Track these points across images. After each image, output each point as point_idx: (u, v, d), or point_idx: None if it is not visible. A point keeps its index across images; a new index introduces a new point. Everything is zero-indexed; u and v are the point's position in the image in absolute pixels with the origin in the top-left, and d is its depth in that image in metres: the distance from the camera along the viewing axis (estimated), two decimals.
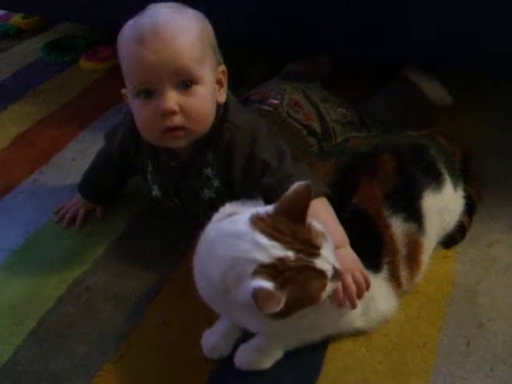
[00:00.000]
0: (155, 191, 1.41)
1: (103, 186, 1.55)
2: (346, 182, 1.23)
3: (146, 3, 1.82)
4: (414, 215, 1.21)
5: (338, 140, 1.49)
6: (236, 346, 1.15)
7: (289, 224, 0.96)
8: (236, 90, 1.63)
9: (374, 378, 1.10)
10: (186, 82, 1.18)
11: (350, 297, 1.05)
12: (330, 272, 0.97)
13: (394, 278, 1.17)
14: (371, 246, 1.16)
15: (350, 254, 1.10)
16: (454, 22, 1.43)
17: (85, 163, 1.65)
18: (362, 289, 1.06)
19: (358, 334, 1.16)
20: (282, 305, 0.90)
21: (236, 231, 0.98)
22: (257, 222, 0.97)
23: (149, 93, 1.19)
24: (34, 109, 2.05)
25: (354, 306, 1.06)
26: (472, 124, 1.72)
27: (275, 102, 1.50)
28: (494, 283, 1.27)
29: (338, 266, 0.99)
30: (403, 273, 1.18)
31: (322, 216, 1.10)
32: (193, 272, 1.10)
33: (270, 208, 0.99)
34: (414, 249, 1.20)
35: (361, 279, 1.06)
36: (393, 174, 1.22)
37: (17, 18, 2.66)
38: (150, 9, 1.23)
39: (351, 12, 1.54)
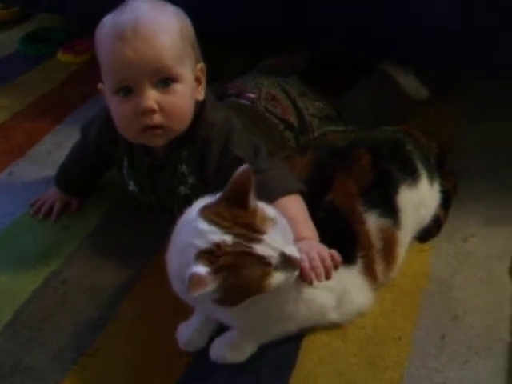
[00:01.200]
0: (131, 186, 1.41)
1: (79, 179, 1.54)
2: (322, 178, 1.23)
3: None
4: (390, 210, 1.22)
5: (316, 134, 1.50)
6: (211, 339, 1.15)
7: (230, 209, 0.95)
8: (214, 83, 1.64)
9: (348, 370, 1.11)
10: (166, 80, 1.18)
11: (318, 276, 1.03)
12: (274, 259, 0.94)
13: (369, 272, 1.17)
14: (345, 242, 1.16)
15: (317, 243, 1.10)
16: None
17: (61, 156, 1.64)
18: (328, 264, 1.04)
19: (333, 326, 1.17)
20: (209, 289, 0.90)
21: (187, 219, 0.99)
22: (204, 209, 0.97)
23: (128, 90, 1.19)
24: (10, 101, 2.02)
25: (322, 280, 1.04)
26: (449, 118, 1.73)
27: (252, 95, 1.50)
28: (468, 277, 1.28)
29: (292, 253, 0.96)
30: (379, 266, 1.19)
31: (292, 211, 1.11)
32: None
33: (217, 196, 0.99)
34: (390, 243, 1.21)
35: (326, 254, 1.04)
36: (368, 169, 1.23)
37: None
38: (130, 4, 1.22)
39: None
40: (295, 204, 1.16)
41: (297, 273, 1.00)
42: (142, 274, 1.34)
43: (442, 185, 1.37)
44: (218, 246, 0.92)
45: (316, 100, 1.60)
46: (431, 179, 1.32)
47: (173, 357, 1.14)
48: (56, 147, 1.77)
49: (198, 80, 1.27)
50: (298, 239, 1.06)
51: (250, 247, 0.93)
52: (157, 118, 1.18)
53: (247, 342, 1.13)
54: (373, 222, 1.19)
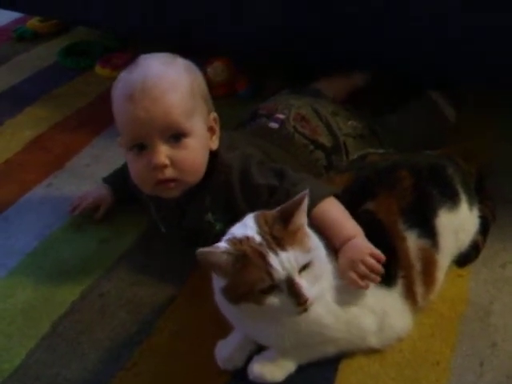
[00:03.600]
0: (162, 228, 1.45)
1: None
2: (362, 192, 1.23)
3: (163, 12, 1.86)
4: (429, 232, 1.21)
5: (351, 155, 1.51)
6: (250, 358, 1.14)
7: (275, 221, 1.01)
8: (255, 99, 1.65)
9: None
10: (177, 136, 1.23)
11: (366, 285, 1.09)
12: (278, 275, 0.97)
13: (410, 295, 1.17)
14: (386, 259, 1.16)
15: (362, 242, 1.13)
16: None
17: (99, 168, 1.68)
18: (375, 269, 1.09)
19: (371, 350, 1.16)
20: (218, 260, 0.98)
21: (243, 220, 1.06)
22: (260, 213, 1.04)
23: (142, 147, 1.23)
24: (49, 113, 2.05)
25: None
26: (486, 143, 1.71)
27: (282, 116, 1.52)
28: (507, 304, 1.26)
29: (300, 284, 0.98)
30: (419, 289, 1.18)
31: (333, 214, 1.17)
32: (208, 283, 1.10)
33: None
34: (429, 265, 1.20)
35: (373, 262, 1.09)
36: (410, 191, 1.22)
37: (33, 21, 2.67)
38: (140, 62, 1.27)
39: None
40: (332, 206, 1.19)
41: (299, 310, 1.00)
42: (180, 290, 1.34)
43: (480, 210, 1.36)
44: (247, 238, 1.00)
45: (349, 119, 1.60)
46: (471, 204, 1.31)
47: (211, 375, 1.14)
48: (94, 160, 1.79)
49: (211, 130, 1.31)
50: (344, 241, 1.13)
51: (267, 252, 0.97)
52: (168, 172, 1.23)
53: (286, 362, 1.13)
54: (413, 241, 1.18)
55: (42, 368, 1.19)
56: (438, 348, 1.17)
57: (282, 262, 0.97)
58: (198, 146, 1.26)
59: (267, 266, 0.97)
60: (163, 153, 1.21)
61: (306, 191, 1.01)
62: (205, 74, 1.99)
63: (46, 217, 1.59)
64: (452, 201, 1.26)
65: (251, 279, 0.98)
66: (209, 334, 1.20)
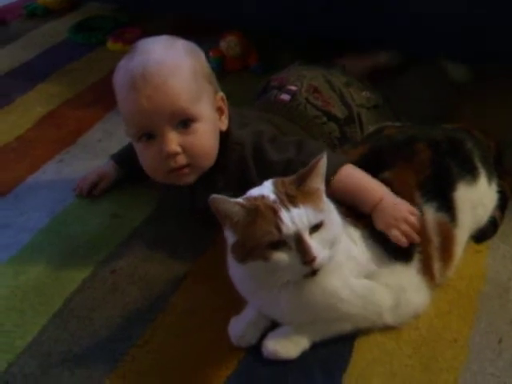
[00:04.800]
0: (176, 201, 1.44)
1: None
2: (378, 162, 1.22)
3: None
4: (447, 206, 1.19)
5: (365, 126, 1.50)
6: (263, 335, 1.13)
7: (291, 183, 1.01)
8: (267, 74, 1.63)
9: (402, 371, 1.08)
10: (185, 122, 1.20)
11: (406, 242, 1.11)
12: (287, 230, 0.96)
13: (427, 270, 1.15)
14: None
15: (394, 201, 1.14)
16: None
17: (112, 144, 1.66)
18: (413, 235, 1.11)
19: (387, 327, 1.14)
20: (229, 209, 0.98)
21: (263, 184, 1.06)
22: (277, 179, 1.04)
23: (149, 136, 1.21)
24: (61, 89, 2.05)
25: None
26: (506, 118, 1.68)
27: (294, 88, 1.50)
28: None
29: (309, 243, 0.97)
30: (436, 265, 1.16)
31: (355, 176, 1.18)
32: (221, 259, 1.10)
33: None
34: (447, 240, 1.18)
35: (407, 228, 1.11)
36: (428, 164, 1.20)
37: None
38: (139, 47, 1.24)
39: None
40: (353, 171, 1.20)
41: (306, 270, 0.99)
42: (193, 266, 1.33)
43: (499, 185, 1.33)
44: (262, 196, 1.00)
45: (363, 90, 1.58)
46: (489, 179, 1.29)
47: (224, 352, 1.13)
48: (106, 135, 1.78)
49: (219, 110, 1.29)
50: (375, 202, 1.14)
51: (279, 208, 0.97)
52: (181, 159, 1.21)
53: (300, 338, 1.11)
54: (430, 215, 1.17)
55: (54, 345, 1.19)
56: (455, 325, 1.16)
57: (293, 217, 0.96)
58: (207, 130, 1.23)
59: (277, 219, 0.96)
60: (174, 140, 1.19)
61: (323, 155, 1.00)
62: (218, 48, 1.98)
63: (58, 193, 1.58)
64: (471, 175, 1.24)
65: (260, 232, 0.97)
66: (222, 311, 1.19)
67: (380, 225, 1.12)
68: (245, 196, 1.02)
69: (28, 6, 2.63)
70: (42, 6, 2.63)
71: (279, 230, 0.96)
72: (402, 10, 1.53)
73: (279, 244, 0.97)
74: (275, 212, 0.97)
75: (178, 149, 1.20)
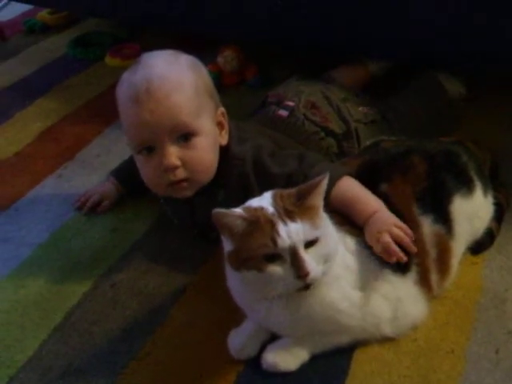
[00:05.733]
0: (174, 220, 1.44)
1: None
2: (375, 175, 1.23)
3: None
4: (444, 218, 1.20)
5: (362, 141, 1.50)
6: (263, 348, 1.14)
7: (291, 197, 1.02)
8: (265, 88, 1.64)
9: (401, 382, 1.09)
10: (185, 136, 1.22)
11: (394, 253, 1.07)
12: (282, 243, 0.97)
13: (424, 282, 1.16)
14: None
15: (384, 216, 1.14)
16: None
17: (110, 159, 1.67)
18: (404, 240, 1.09)
19: (386, 338, 1.15)
20: (229, 221, 0.99)
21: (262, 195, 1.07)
22: (276, 191, 1.05)
23: (150, 149, 1.22)
24: (60, 104, 2.06)
25: (401, 258, 1.08)
26: (500, 130, 1.70)
27: (291, 104, 1.52)
28: None
29: (304, 258, 0.98)
30: (434, 276, 1.17)
31: (352, 189, 1.19)
32: (220, 271, 1.11)
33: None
34: (444, 252, 1.19)
35: (399, 232, 1.10)
36: (424, 177, 1.22)
37: (43, 14, 2.68)
38: (143, 61, 1.25)
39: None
40: (351, 184, 1.21)
41: (299, 284, 1.00)
42: (192, 279, 1.33)
43: (495, 197, 1.35)
44: (261, 208, 1.01)
45: (360, 105, 1.59)
46: (485, 191, 1.30)
47: (224, 364, 1.14)
48: (105, 150, 1.79)
49: (220, 125, 1.30)
50: (368, 215, 1.14)
51: (277, 221, 0.98)
52: (180, 173, 1.22)
53: (299, 350, 1.12)
54: (427, 227, 1.18)
55: (55, 358, 1.19)
56: (452, 336, 1.16)
57: (290, 231, 0.98)
58: (207, 144, 1.25)
59: (274, 232, 0.98)
60: (173, 154, 1.21)
61: (326, 175, 1.01)
62: (215, 63, 2.00)
63: (57, 208, 1.59)
64: (466, 187, 1.25)
65: (256, 244, 0.98)
66: (221, 324, 1.19)
67: (368, 238, 1.13)
68: (244, 205, 1.04)
69: (27, 22, 2.65)
70: (41, 22, 2.65)
71: (275, 243, 0.97)
72: (396, 23, 1.55)
73: (274, 257, 0.99)
74: (273, 225, 0.98)
75: (178, 162, 1.21)
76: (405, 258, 1.07)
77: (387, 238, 1.08)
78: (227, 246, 1.04)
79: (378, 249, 1.09)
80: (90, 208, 1.55)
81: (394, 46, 1.62)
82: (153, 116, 1.18)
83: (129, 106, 1.21)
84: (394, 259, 1.07)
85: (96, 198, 1.55)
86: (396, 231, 1.10)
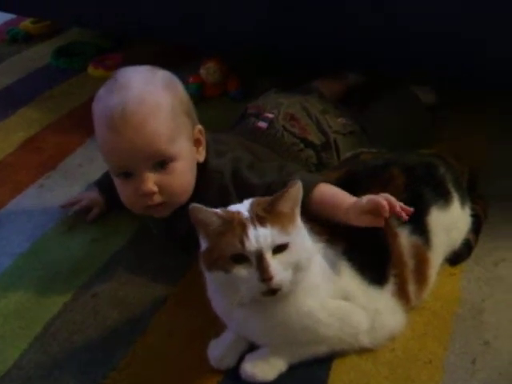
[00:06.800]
0: (154, 231, 1.45)
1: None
2: (354, 187, 1.23)
3: (156, 10, 1.86)
4: (421, 230, 1.22)
5: (342, 152, 1.52)
6: (243, 357, 1.14)
7: (265, 204, 1.04)
8: (247, 100, 1.65)
9: None
10: (162, 162, 1.22)
11: (392, 207, 1.06)
12: (250, 247, 0.99)
13: (402, 293, 1.17)
14: (378, 255, 1.17)
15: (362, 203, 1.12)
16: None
17: (92, 169, 1.68)
18: (394, 202, 1.07)
19: (364, 349, 1.16)
20: (203, 218, 1.02)
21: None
22: (255, 199, 1.08)
23: (127, 174, 1.23)
24: (42, 114, 2.05)
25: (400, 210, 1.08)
26: (477, 142, 1.72)
27: (271, 116, 1.53)
28: (499, 301, 1.26)
29: (269, 262, 0.99)
30: (411, 288, 1.18)
31: (330, 191, 1.20)
32: (200, 282, 1.12)
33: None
34: (422, 263, 1.20)
35: (389, 196, 1.08)
36: (402, 189, 1.23)
37: (26, 23, 2.67)
38: (119, 82, 1.23)
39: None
40: (329, 188, 1.21)
41: (262, 287, 1.00)
42: (172, 290, 1.34)
43: (472, 209, 1.36)
44: (237, 212, 1.04)
45: (339, 116, 1.61)
46: (463, 203, 1.32)
47: (204, 374, 1.14)
48: (87, 161, 1.79)
49: (197, 141, 1.30)
50: (350, 204, 1.13)
51: (248, 225, 1.01)
52: (157, 198, 1.23)
53: (277, 360, 1.12)
54: (405, 238, 1.19)
55: (35, 368, 1.19)
56: (430, 346, 1.17)
57: (258, 235, 1.00)
58: (184, 168, 1.25)
59: (243, 235, 0.99)
60: (150, 180, 1.21)
61: (297, 181, 1.03)
62: (198, 74, 2.01)
63: (38, 218, 1.58)
64: (444, 199, 1.27)
65: (226, 243, 1.01)
66: (201, 334, 1.20)
67: (351, 219, 1.12)
68: (223, 209, 1.06)
69: (10, 31, 2.64)
70: (24, 31, 2.64)
71: (243, 244, 0.99)
72: (372, 32, 1.56)
73: (241, 258, 1.00)
74: (244, 228, 1.00)
75: (155, 188, 1.21)
76: (404, 215, 1.08)
77: (374, 196, 1.08)
78: (203, 245, 1.06)
79: (364, 220, 1.10)
80: (77, 211, 1.55)
81: (375, 59, 1.64)
82: (129, 144, 1.18)
83: (104, 132, 1.21)
84: (386, 214, 1.06)
85: (85, 203, 1.56)
86: (387, 196, 1.08)
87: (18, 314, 1.31)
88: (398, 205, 1.07)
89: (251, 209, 1.04)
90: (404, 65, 1.61)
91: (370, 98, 1.80)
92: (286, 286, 1.02)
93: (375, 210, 1.07)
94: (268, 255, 1.00)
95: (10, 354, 1.22)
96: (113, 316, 1.29)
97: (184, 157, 1.25)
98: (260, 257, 0.99)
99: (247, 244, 0.99)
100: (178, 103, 1.25)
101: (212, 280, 1.07)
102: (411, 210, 1.09)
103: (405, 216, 1.08)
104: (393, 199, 1.08)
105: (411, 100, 1.78)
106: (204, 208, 1.02)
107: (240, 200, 1.14)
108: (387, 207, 1.06)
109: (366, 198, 1.09)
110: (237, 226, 1.01)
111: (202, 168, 1.30)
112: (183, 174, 1.25)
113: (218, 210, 1.04)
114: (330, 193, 1.20)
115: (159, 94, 1.23)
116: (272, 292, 1.01)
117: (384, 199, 1.07)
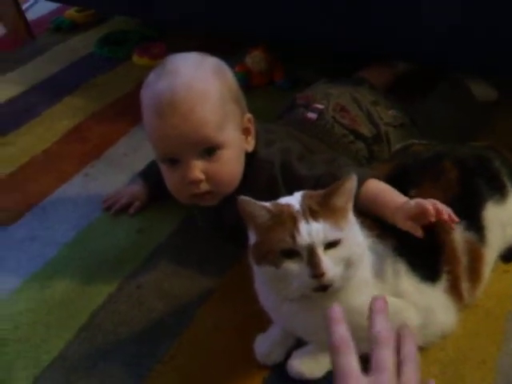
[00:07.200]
0: (200, 223, 1.44)
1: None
2: (405, 180, 1.20)
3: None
4: (476, 225, 1.18)
5: (393, 145, 1.49)
6: (290, 353, 1.12)
7: (318, 197, 1.01)
8: (293, 90, 1.62)
9: None
10: (209, 150, 1.20)
11: (438, 213, 1.01)
12: (301, 240, 0.96)
13: (455, 291, 1.13)
14: (430, 251, 1.13)
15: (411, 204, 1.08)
16: None
17: (137, 159, 1.67)
18: (441, 208, 1.02)
19: None
20: (253, 211, 1.00)
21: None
22: (307, 191, 1.05)
23: (173, 161, 1.21)
24: (87, 103, 2.06)
25: (444, 216, 1.02)
26: None
27: (320, 106, 1.49)
28: None
29: (321, 257, 0.96)
30: (464, 285, 1.15)
31: (380, 187, 1.17)
32: (247, 275, 1.09)
33: None
34: (476, 260, 1.17)
35: (437, 203, 1.03)
36: (455, 183, 1.19)
37: (71, 12, 2.67)
38: (168, 67, 1.21)
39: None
40: (377, 184, 1.18)
41: (313, 284, 0.98)
42: (219, 282, 1.32)
43: None
44: (288, 204, 1.01)
45: (390, 108, 1.57)
46: None
47: (250, 369, 1.13)
48: (131, 150, 1.79)
49: (246, 130, 1.28)
50: (398, 204, 1.09)
51: (299, 218, 0.98)
52: (204, 186, 1.21)
53: (325, 357, 1.09)
54: (459, 234, 1.15)
55: (80, 359, 1.19)
56: (483, 346, 1.14)
57: (311, 230, 0.96)
58: (232, 156, 1.23)
59: (294, 229, 0.96)
60: (197, 167, 1.19)
61: (353, 175, 0.99)
62: (244, 63, 1.99)
63: (83, 207, 1.58)
64: (499, 193, 1.23)
65: (276, 238, 0.97)
66: (248, 328, 1.18)
67: (397, 220, 1.08)
68: (273, 202, 1.03)
69: (55, 21, 2.66)
70: (69, 20, 2.65)
71: (294, 239, 0.96)
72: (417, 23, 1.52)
73: (292, 253, 0.97)
74: (294, 222, 0.97)
75: (202, 176, 1.19)
76: (451, 225, 1.04)
77: (422, 201, 1.03)
78: (252, 238, 1.03)
79: (409, 226, 1.06)
80: (118, 210, 1.55)
81: (418, 49, 1.59)
82: (176, 131, 1.16)
83: (152, 118, 1.19)
84: (432, 219, 1.02)
85: (125, 201, 1.55)
86: (432, 201, 1.04)
87: (63, 303, 1.31)
88: (446, 212, 1.02)
89: (303, 202, 1.00)
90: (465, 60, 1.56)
91: (419, 90, 1.75)
92: (338, 282, 0.99)
93: (422, 215, 1.03)
94: (320, 251, 0.97)
95: (54, 344, 1.22)
96: (158, 308, 1.28)
97: (232, 145, 1.22)
98: (312, 252, 0.96)
99: (298, 239, 0.96)
100: (227, 90, 1.23)
101: (261, 274, 1.04)
102: (457, 220, 1.03)
103: (452, 226, 1.04)
104: (441, 206, 1.03)
105: (461, 93, 1.73)
106: (253, 201, 0.99)
107: (288, 191, 1.12)
108: (433, 213, 1.01)
109: (414, 202, 1.05)
110: (287, 219, 0.98)
111: (250, 157, 1.28)
112: (231, 162, 1.23)
113: (268, 204, 1.01)
114: (378, 189, 1.17)
115: (208, 81, 1.21)
116: (323, 288, 0.99)
117: (432, 204, 1.02)
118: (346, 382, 0.78)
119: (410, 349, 0.83)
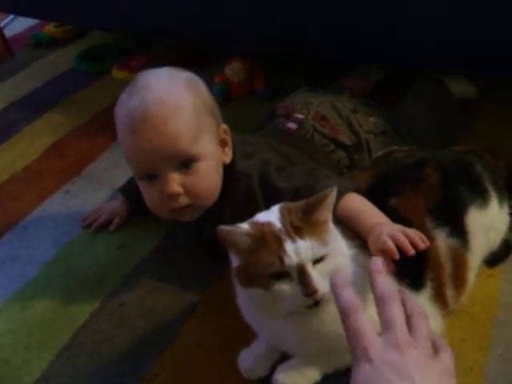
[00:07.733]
0: (181, 238, 1.42)
1: None
2: (386, 188, 1.19)
3: (178, 10, 1.83)
4: (459, 231, 1.17)
5: (374, 153, 1.48)
6: (274, 367, 1.11)
7: (298, 211, 0.98)
8: (274, 99, 1.61)
9: None
10: (186, 162, 1.18)
11: (404, 245, 0.99)
12: (289, 261, 0.93)
13: (440, 298, 1.12)
14: (414, 259, 1.11)
15: (389, 224, 1.07)
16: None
17: (118, 173, 1.66)
18: (415, 238, 1.00)
19: None
20: (235, 239, 0.96)
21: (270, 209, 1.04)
22: (284, 205, 1.02)
23: (151, 176, 1.20)
24: (67, 118, 2.04)
25: (394, 254, 0.99)
26: None
27: (300, 116, 1.49)
28: None
29: (312, 275, 0.94)
30: (449, 291, 1.14)
31: (358, 204, 1.14)
32: (229, 289, 1.07)
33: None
34: (460, 266, 1.15)
35: (404, 239, 1.00)
36: (437, 189, 1.18)
37: (50, 27, 2.67)
38: (140, 84, 1.20)
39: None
40: (358, 199, 1.16)
41: (307, 302, 0.96)
42: (201, 297, 1.31)
43: (510, 207, 1.31)
44: (268, 223, 0.97)
45: (370, 115, 1.56)
46: (501, 201, 1.26)
47: None
48: (112, 165, 1.77)
49: (223, 142, 1.27)
50: (373, 225, 1.06)
51: (284, 238, 0.95)
52: (183, 200, 1.20)
53: (311, 370, 1.09)
54: (442, 240, 1.14)
55: (63, 380, 1.17)
56: (469, 353, 1.13)
57: (298, 248, 0.94)
58: (210, 168, 1.22)
59: (281, 250, 0.94)
60: (175, 181, 1.17)
61: (334, 188, 0.98)
62: (223, 74, 1.98)
63: (64, 225, 1.57)
64: (481, 198, 1.22)
65: (263, 262, 0.95)
66: (231, 343, 1.17)
67: (370, 245, 1.06)
68: (251, 220, 1.01)
69: (34, 36, 2.65)
70: (48, 36, 2.64)
71: (282, 261, 0.94)
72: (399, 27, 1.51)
73: (281, 275, 0.95)
74: (280, 242, 0.95)
75: (180, 189, 1.18)
76: (423, 246, 1.01)
77: (386, 238, 1.01)
78: (234, 261, 1.01)
79: (379, 255, 1.02)
80: (98, 228, 1.53)
81: (396, 54, 1.58)
82: (151, 145, 1.15)
83: (126, 134, 1.18)
84: (395, 256, 0.99)
85: (104, 218, 1.54)
86: (401, 237, 1.01)
87: (45, 324, 1.29)
88: (420, 239, 1.01)
89: (283, 218, 0.98)
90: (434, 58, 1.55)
91: (396, 95, 1.75)
92: (328, 294, 0.97)
93: (389, 252, 1.01)
94: (309, 268, 0.95)
95: (36, 365, 1.21)
96: (141, 325, 1.26)
97: (209, 157, 1.21)
98: (301, 271, 0.95)
99: (286, 260, 0.94)
100: (201, 103, 1.22)
101: (247, 296, 1.02)
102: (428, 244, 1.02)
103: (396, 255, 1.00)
104: (414, 236, 1.01)
105: (442, 94, 1.73)
106: (232, 229, 0.97)
107: (266, 203, 1.11)
108: (395, 255, 0.99)
109: (386, 234, 1.02)
110: (271, 240, 0.95)
111: (228, 170, 1.27)
112: (208, 175, 1.22)
113: (248, 227, 0.98)
114: (356, 205, 1.15)
115: (181, 95, 1.20)
116: (316, 304, 0.97)
117: (403, 242, 1.00)
118: (360, 340, 0.80)
119: (413, 304, 0.85)
